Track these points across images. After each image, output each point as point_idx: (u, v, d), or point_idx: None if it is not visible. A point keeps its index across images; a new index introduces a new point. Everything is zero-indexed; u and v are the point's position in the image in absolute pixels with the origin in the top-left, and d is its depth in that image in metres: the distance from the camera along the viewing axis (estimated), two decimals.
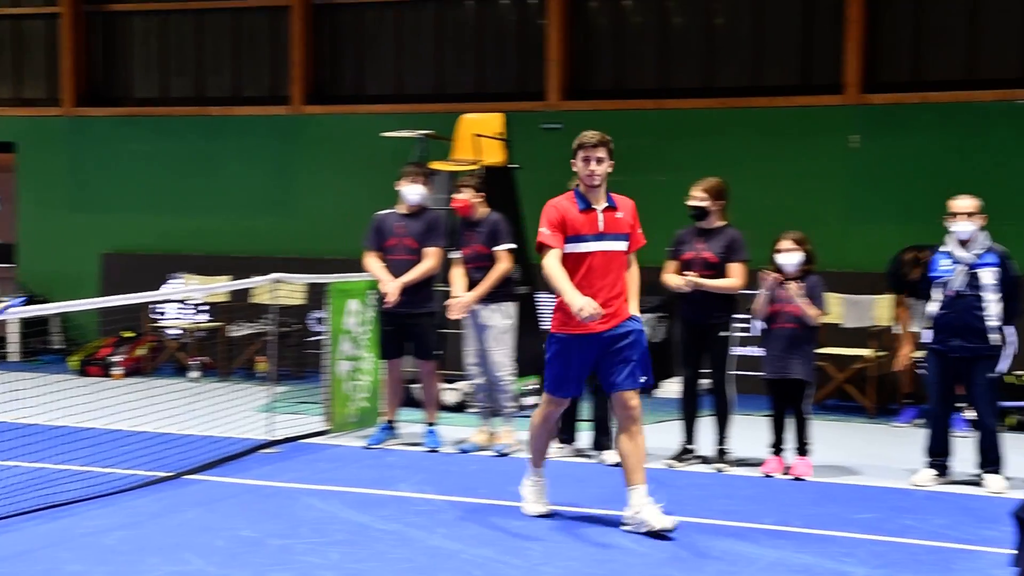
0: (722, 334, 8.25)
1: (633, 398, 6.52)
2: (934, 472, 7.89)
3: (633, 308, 6.62)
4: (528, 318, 10.57)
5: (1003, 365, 7.97)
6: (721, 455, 8.32)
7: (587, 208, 6.51)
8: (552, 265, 6.41)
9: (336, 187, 13.82)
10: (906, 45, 12.31)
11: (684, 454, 8.44)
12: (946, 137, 11.85)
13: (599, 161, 6.51)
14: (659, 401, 11.23)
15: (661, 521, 6.37)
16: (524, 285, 10.52)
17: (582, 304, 6.22)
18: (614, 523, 6.69)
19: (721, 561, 6.00)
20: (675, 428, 8.69)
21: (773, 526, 6.72)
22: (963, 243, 7.80)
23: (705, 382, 8.46)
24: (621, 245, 6.55)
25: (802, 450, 8.13)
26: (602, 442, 8.48)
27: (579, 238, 6.45)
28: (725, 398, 8.30)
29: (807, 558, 6.04)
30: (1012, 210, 10.27)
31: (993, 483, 7.72)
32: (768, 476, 8.04)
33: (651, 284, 11.89)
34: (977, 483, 7.82)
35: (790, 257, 8.09)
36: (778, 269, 8.12)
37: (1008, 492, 7.47)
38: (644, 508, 6.45)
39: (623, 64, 13.40)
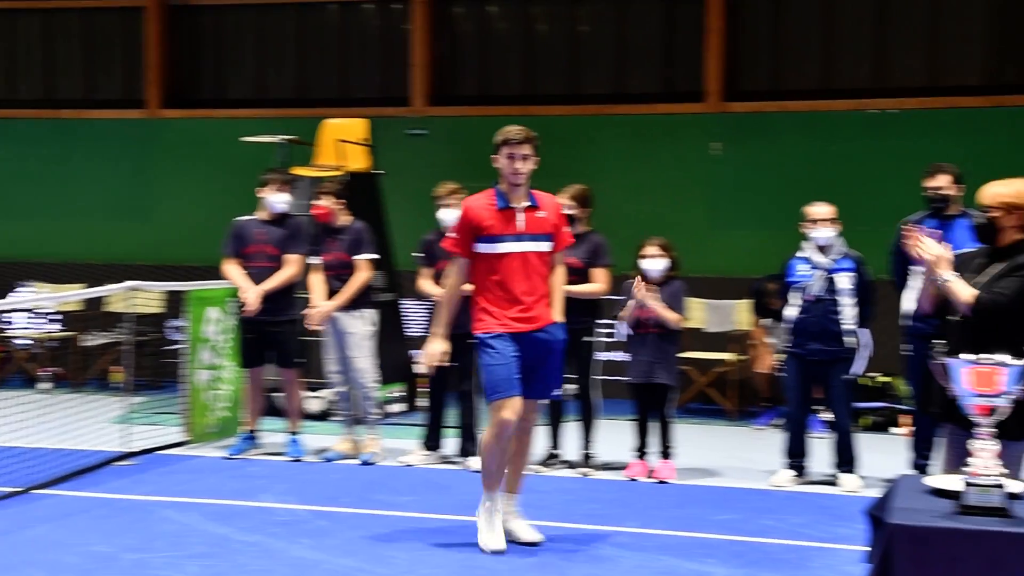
0: (586, 339, 8.27)
1: (535, 408, 6.35)
2: (792, 473, 8.02)
3: (556, 314, 6.30)
4: (393, 325, 10.48)
5: (858, 367, 8.16)
6: (586, 459, 8.33)
7: (506, 207, 6.18)
8: (446, 283, 6.15)
9: (195, 193, 13.51)
10: (765, 55, 12.57)
11: (550, 459, 8.43)
12: (804, 145, 12.11)
13: (524, 159, 6.19)
14: None
15: (529, 535, 6.30)
16: (389, 292, 10.46)
17: (431, 352, 6.21)
18: None
19: (586, 564, 5.99)
20: (540, 433, 8.67)
21: (637, 529, 6.74)
22: (821, 249, 7.95)
23: (570, 387, 8.47)
24: (543, 246, 6.23)
25: (665, 453, 8.19)
26: (468, 448, 8.42)
27: (496, 238, 6.14)
28: (590, 403, 8.32)
29: (669, 560, 6.06)
30: (867, 216, 10.50)
31: (848, 482, 7.88)
32: (632, 479, 8.08)
33: None
34: (833, 482, 7.97)
35: (655, 263, 8.15)
36: (643, 275, 8.17)
37: (862, 491, 7.63)
38: (513, 518, 6.34)
39: (488, 70, 13.41)
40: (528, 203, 6.23)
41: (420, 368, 6.10)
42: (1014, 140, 11.36)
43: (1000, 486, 3.66)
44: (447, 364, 8.38)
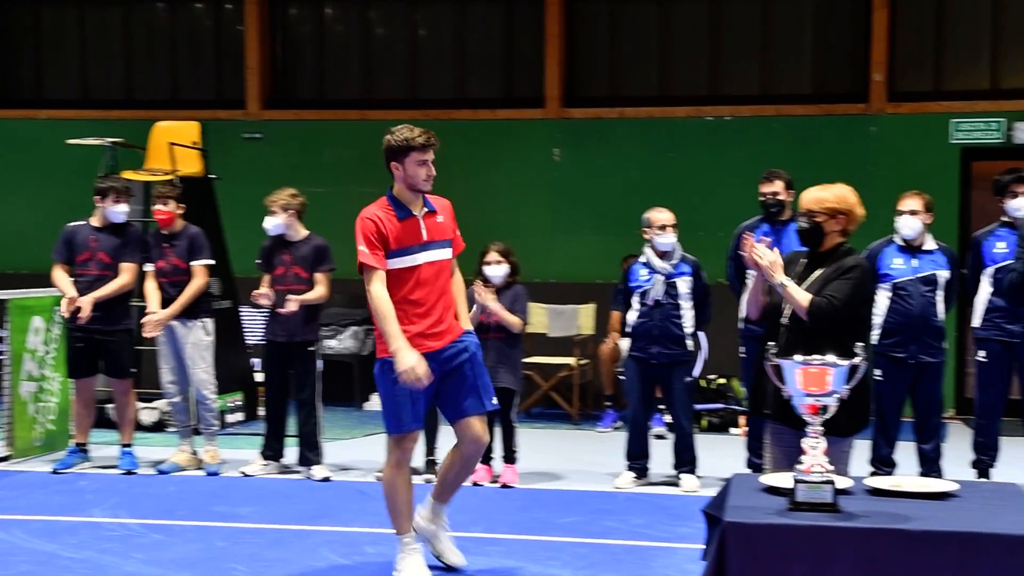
0: None
1: (481, 426, 5.80)
2: (634, 475, 8.11)
3: (464, 320, 5.88)
4: (231, 333, 10.27)
5: (697, 370, 8.30)
6: (430, 465, 8.28)
7: (407, 216, 5.64)
8: (380, 298, 5.53)
9: (15, 197, 12.97)
10: (603, 62, 12.71)
11: None
12: (642, 151, 12.28)
13: (433, 162, 5.71)
14: (367, 414, 11.16)
15: (455, 557, 5.95)
16: (226, 299, 10.24)
17: (411, 364, 5.43)
18: (323, 539, 6.53)
19: (432, 571, 5.93)
20: (384, 440, 8.57)
21: (481, 534, 6.72)
22: (661, 254, 8.07)
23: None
24: (445, 252, 5.77)
25: (509, 458, 8.19)
26: (309, 458, 8.29)
27: (404, 251, 5.60)
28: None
29: (514, 563, 6.07)
30: (704, 221, 10.73)
31: (688, 483, 8.00)
32: (477, 485, 8.06)
33: (358, 296, 11.80)
34: (674, 483, 8.09)
35: (496, 269, 8.15)
36: (485, 280, 8.17)
37: (701, 491, 7.76)
38: (442, 534, 5.96)
39: (325, 74, 13.25)
40: (426, 208, 5.72)
41: (409, 384, 5.48)
42: (842, 147, 11.72)
43: (830, 482, 3.74)
44: (285, 372, 8.40)
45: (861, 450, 7.89)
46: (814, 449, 3.79)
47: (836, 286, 4.86)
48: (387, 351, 5.57)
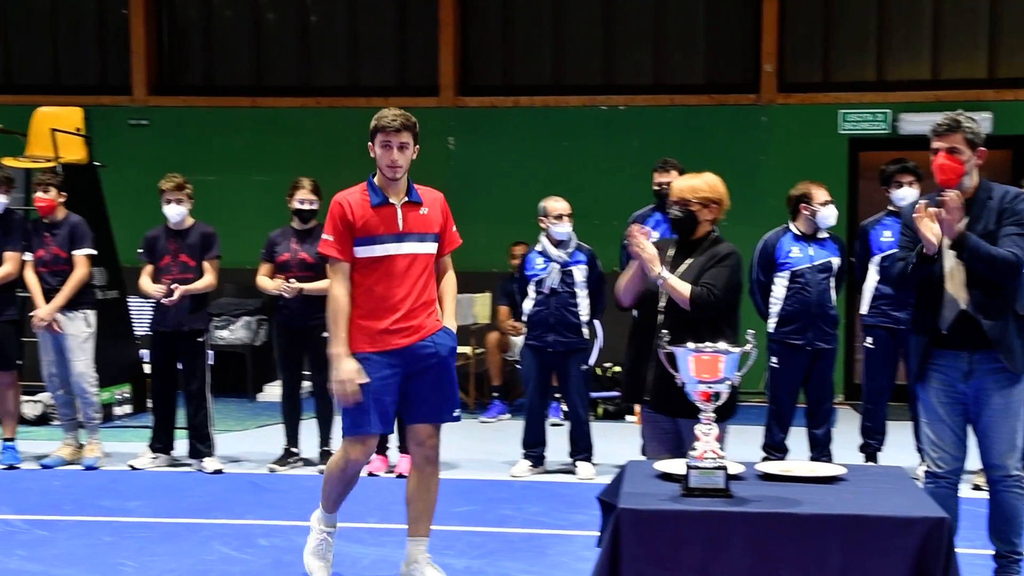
0: (324, 335, 8.12)
1: (433, 434, 5.46)
2: (530, 463, 8.13)
3: (449, 322, 5.44)
4: (118, 324, 10.06)
5: (592, 358, 8.33)
6: (325, 456, 8.20)
7: (383, 203, 5.28)
8: (334, 293, 5.24)
9: None
10: (497, 50, 12.70)
11: (287, 457, 8.26)
12: (537, 140, 12.30)
13: (402, 148, 5.24)
14: (261, 405, 11.03)
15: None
16: (112, 289, 10.04)
17: (345, 378, 5.16)
18: (215, 533, 6.42)
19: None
20: (278, 432, 8.49)
21: (376, 524, 6.67)
22: (556, 243, 8.09)
23: (307, 385, 8.32)
24: (428, 247, 5.36)
25: (405, 448, 8.13)
26: (199, 450, 8.15)
27: (373, 239, 5.24)
28: (328, 400, 8.18)
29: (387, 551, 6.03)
30: (599, 210, 10.79)
31: (584, 470, 8.04)
32: (372, 475, 8.00)
33: (250, 286, 11.66)
34: (570, 471, 8.12)
35: None
36: None
37: (597, 478, 7.79)
38: (423, 564, 5.48)
39: (214, 59, 13.03)
40: (408, 198, 5.34)
41: (338, 397, 5.24)
42: (734, 136, 11.88)
43: (723, 468, 3.77)
44: (172, 366, 8.24)
45: (754, 435, 8.03)
46: (706, 436, 3.82)
47: (713, 274, 4.92)
48: (352, 346, 5.24)
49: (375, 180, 5.32)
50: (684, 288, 4.89)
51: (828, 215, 7.72)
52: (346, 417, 5.32)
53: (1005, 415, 5.03)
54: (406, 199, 5.33)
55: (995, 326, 4.95)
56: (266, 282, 8.11)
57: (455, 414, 5.50)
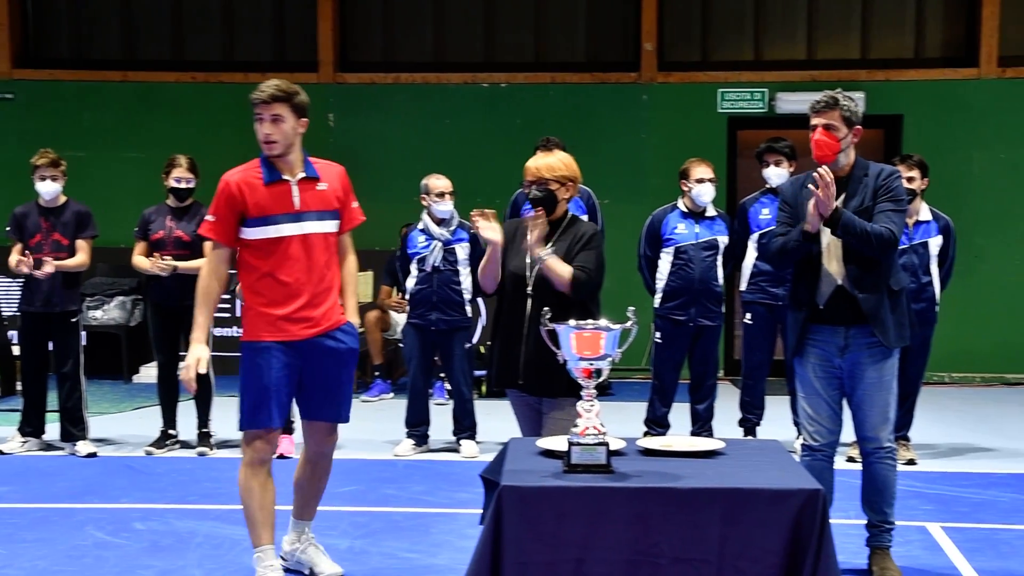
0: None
1: (332, 432, 5.24)
2: (413, 442, 8.10)
3: (352, 316, 5.12)
4: None
5: (476, 336, 8.32)
6: (203, 438, 8.07)
7: (276, 180, 4.92)
8: (203, 275, 4.96)
9: None
10: (378, 26, 12.58)
11: (164, 439, 8.11)
12: (419, 118, 12.22)
13: (275, 120, 4.86)
14: (137, 387, 10.81)
15: (330, 567, 5.31)
16: None
17: (194, 360, 4.89)
18: (88, 517, 6.27)
19: (205, 545, 5.80)
20: (154, 414, 8.33)
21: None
22: (439, 221, 8.05)
23: (183, 365, 8.16)
24: (327, 226, 5.01)
25: (286, 428, 8.04)
26: (72, 433, 7.95)
27: (267, 220, 4.89)
28: (206, 380, 8.04)
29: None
30: (481, 187, 10.76)
31: (468, 448, 8.04)
32: (284, 457, 7.88)
33: (124, 265, 11.38)
34: (454, 449, 8.12)
35: None
36: None
37: (481, 456, 7.80)
38: (309, 548, 5.38)
39: (83, 32, 12.67)
40: (304, 174, 4.99)
41: (184, 381, 4.99)
42: (615, 115, 11.94)
43: (604, 444, 3.79)
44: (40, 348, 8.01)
45: (638, 411, 8.12)
46: (588, 412, 3.83)
47: (584, 256, 4.90)
48: (247, 334, 5.00)
49: (267, 155, 4.99)
50: (566, 270, 4.84)
51: (702, 192, 7.79)
52: (242, 411, 5.01)
53: (879, 388, 5.15)
54: (302, 175, 4.98)
55: (869, 300, 5.06)
56: (141, 261, 7.93)
57: (346, 415, 5.25)
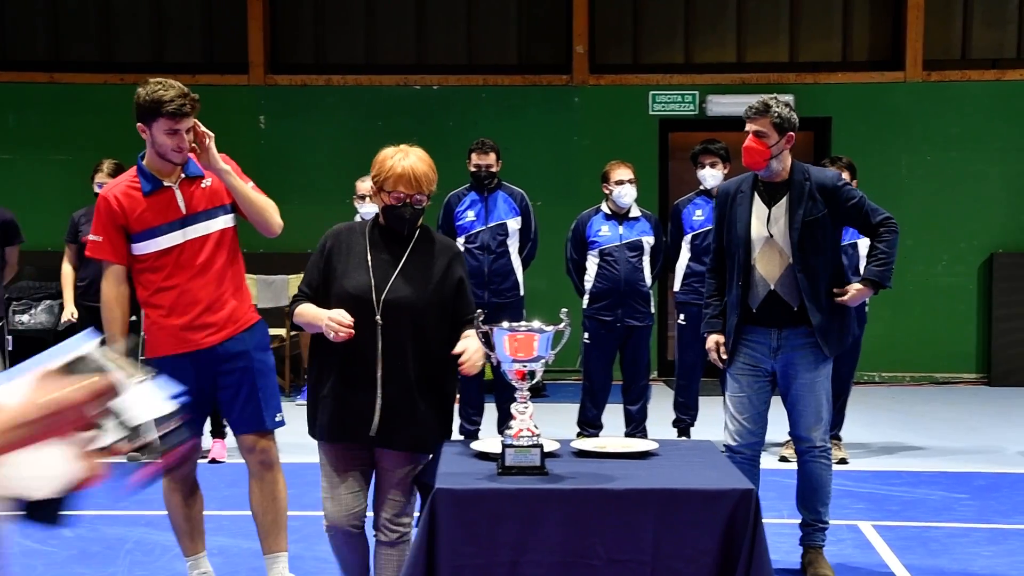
0: (132, 318, 7.89)
1: (260, 440, 4.88)
2: None
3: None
4: None
5: None
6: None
7: (156, 189, 4.67)
8: (104, 299, 4.71)
9: None
10: (308, 28, 12.50)
11: None
12: (350, 119, 12.15)
13: (188, 130, 4.68)
14: None
15: None
16: None
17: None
18: (16, 525, 6.14)
19: (135, 552, 5.74)
20: None
21: (231, 512, 6.52)
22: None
23: None
24: (222, 222, 4.75)
25: (218, 432, 7.98)
26: None
27: (153, 232, 4.64)
28: None
29: (223, 540, 5.94)
30: None
31: None
32: (216, 461, 7.82)
33: (52, 269, 11.20)
34: None
35: None
36: None
37: None
38: None
39: (7, 33, 12.47)
40: (184, 175, 4.74)
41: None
42: (547, 117, 11.96)
43: (538, 447, 3.79)
44: None
45: (571, 412, 8.14)
46: (522, 414, 3.83)
47: (469, 302, 4.32)
48: (150, 350, 4.78)
49: (144, 164, 4.73)
50: (479, 351, 4.05)
51: (623, 194, 7.82)
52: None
53: (812, 389, 5.20)
54: (183, 176, 4.73)
55: (812, 309, 5.08)
56: (67, 276, 8.04)
57: (277, 419, 4.93)
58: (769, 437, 8.24)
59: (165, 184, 4.71)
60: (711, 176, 7.90)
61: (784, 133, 5.12)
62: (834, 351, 5.18)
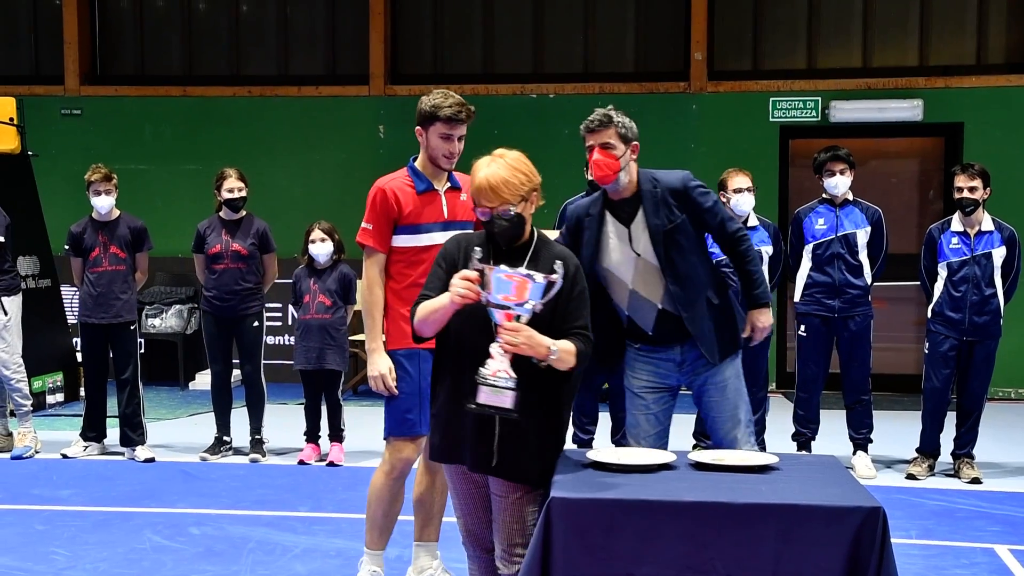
0: (255, 324, 8.11)
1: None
2: None
3: None
4: (51, 312, 10.00)
5: None
6: (256, 445, 8.16)
7: (428, 189, 4.97)
8: (369, 284, 4.91)
9: None
10: (427, 38, 12.65)
11: (219, 446, 8.21)
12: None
13: (461, 139, 4.99)
14: (192, 394, 10.94)
15: None
16: (45, 278, 9.98)
17: (380, 372, 4.83)
18: (146, 521, 6.38)
19: (257, 551, 5.86)
20: (209, 420, 8.43)
21: (308, 513, 6.67)
22: None
23: (237, 373, 8.28)
24: None
25: (336, 436, 8.13)
26: (131, 438, 8.08)
27: (417, 228, 4.91)
28: (258, 388, 8.15)
29: (341, 542, 6.02)
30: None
31: None
32: (303, 463, 7.98)
33: (182, 275, 11.55)
34: None
35: (321, 247, 8.08)
36: (311, 260, 8.11)
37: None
38: (438, 572, 5.19)
39: (147, 49, 12.87)
40: (449, 184, 5.03)
41: (379, 391, 4.89)
42: (664, 125, 11.89)
43: (513, 389, 3.69)
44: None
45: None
46: (503, 356, 3.71)
47: (579, 313, 4.01)
48: (395, 342, 4.91)
49: (417, 165, 5.02)
50: (572, 355, 3.85)
51: (740, 202, 7.66)
52: (389, 419, 4.98)
53: (723, 394, 4.99)
54: (448, 185, 5.02)
55: (692, 320, 4.88)
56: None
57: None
58: (897, 454, 8.13)
59: (434, 187, 4.99)
60: (842, 184, 7.73)
61: (629, 143, 4.91)
62: (720, 357, 4.94)
